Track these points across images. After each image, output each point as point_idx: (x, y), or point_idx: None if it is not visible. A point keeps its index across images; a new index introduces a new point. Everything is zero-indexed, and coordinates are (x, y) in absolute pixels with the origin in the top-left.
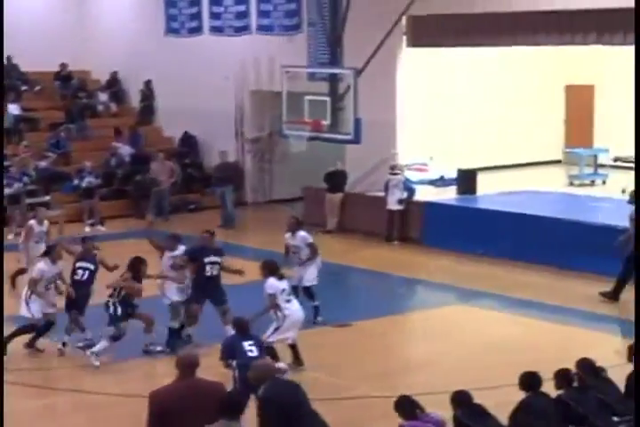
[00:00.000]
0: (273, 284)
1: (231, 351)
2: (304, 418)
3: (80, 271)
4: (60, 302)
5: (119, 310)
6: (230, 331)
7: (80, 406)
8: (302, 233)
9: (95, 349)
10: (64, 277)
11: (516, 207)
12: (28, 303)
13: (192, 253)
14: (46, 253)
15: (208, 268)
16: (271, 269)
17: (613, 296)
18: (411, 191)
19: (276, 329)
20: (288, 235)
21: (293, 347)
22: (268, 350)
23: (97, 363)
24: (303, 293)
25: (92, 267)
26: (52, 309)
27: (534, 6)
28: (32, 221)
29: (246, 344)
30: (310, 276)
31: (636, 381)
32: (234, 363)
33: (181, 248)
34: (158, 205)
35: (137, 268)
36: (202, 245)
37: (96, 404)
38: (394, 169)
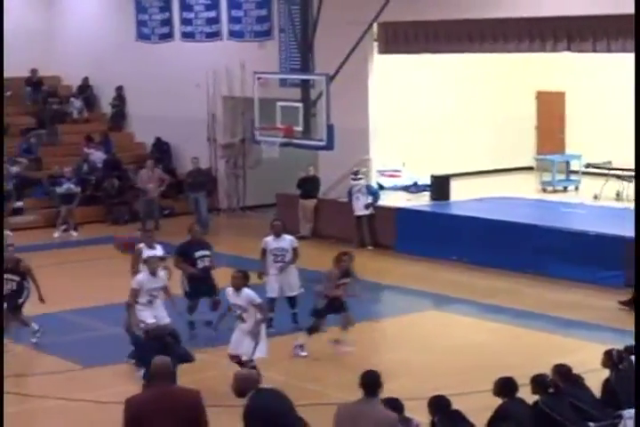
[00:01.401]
0: (252, 293)
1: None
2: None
3: None
4: None
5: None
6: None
7: (54, 413)
8: (289, 236)
9: (300, 341)
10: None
11: (488, 214)
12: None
13: (181, 249)
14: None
15: (199, 261)
16: (247, 278)
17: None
18: (375, 195)
19: (257, 345)
20: (270, 238)
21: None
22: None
23: (304, 353)
24: (288, 301)
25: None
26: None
27: (505, 13)
28: None
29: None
30: (297, 283)
31: (637, 380)
32: None
33: (158, 247)
34: (149, 213)
35: None
36: (190, 240)
37: (70, 410)
38: (356, 174)
